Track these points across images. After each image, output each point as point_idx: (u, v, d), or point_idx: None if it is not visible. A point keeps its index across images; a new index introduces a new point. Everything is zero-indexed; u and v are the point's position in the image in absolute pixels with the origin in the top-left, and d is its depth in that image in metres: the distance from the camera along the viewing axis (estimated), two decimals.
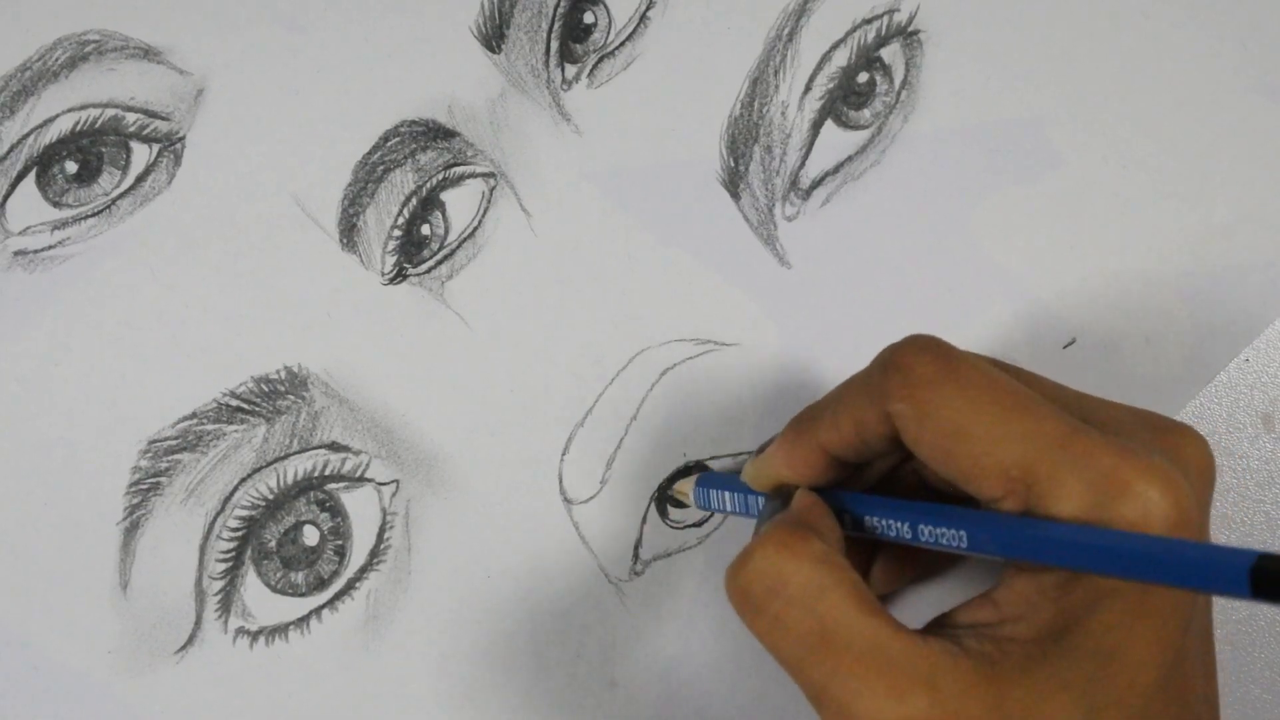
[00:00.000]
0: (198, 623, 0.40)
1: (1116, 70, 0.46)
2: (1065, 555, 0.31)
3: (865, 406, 0.35)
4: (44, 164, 0.41)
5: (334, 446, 0.41)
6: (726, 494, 0.40)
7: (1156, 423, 0.35)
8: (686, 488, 0.42)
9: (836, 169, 0.44)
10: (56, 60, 0.41)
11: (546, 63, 0.43)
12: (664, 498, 0.43)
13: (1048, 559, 0.31)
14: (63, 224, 0.41)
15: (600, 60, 0.43)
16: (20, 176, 0.41)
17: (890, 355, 0.35)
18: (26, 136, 0.41)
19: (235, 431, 0.41)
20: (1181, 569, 0.28)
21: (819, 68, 0.44)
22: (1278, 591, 0.25)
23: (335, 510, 0.41)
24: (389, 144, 0.42)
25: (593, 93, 0.43)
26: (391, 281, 0.42)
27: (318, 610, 0.41)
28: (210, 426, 0.41)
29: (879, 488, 0.39)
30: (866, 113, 0.45)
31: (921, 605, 0.43)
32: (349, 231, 0.42)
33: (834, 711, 0.32)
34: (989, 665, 0.32)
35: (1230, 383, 0.46)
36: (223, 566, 0.40)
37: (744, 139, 0.44)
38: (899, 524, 0.34)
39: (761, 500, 0.38)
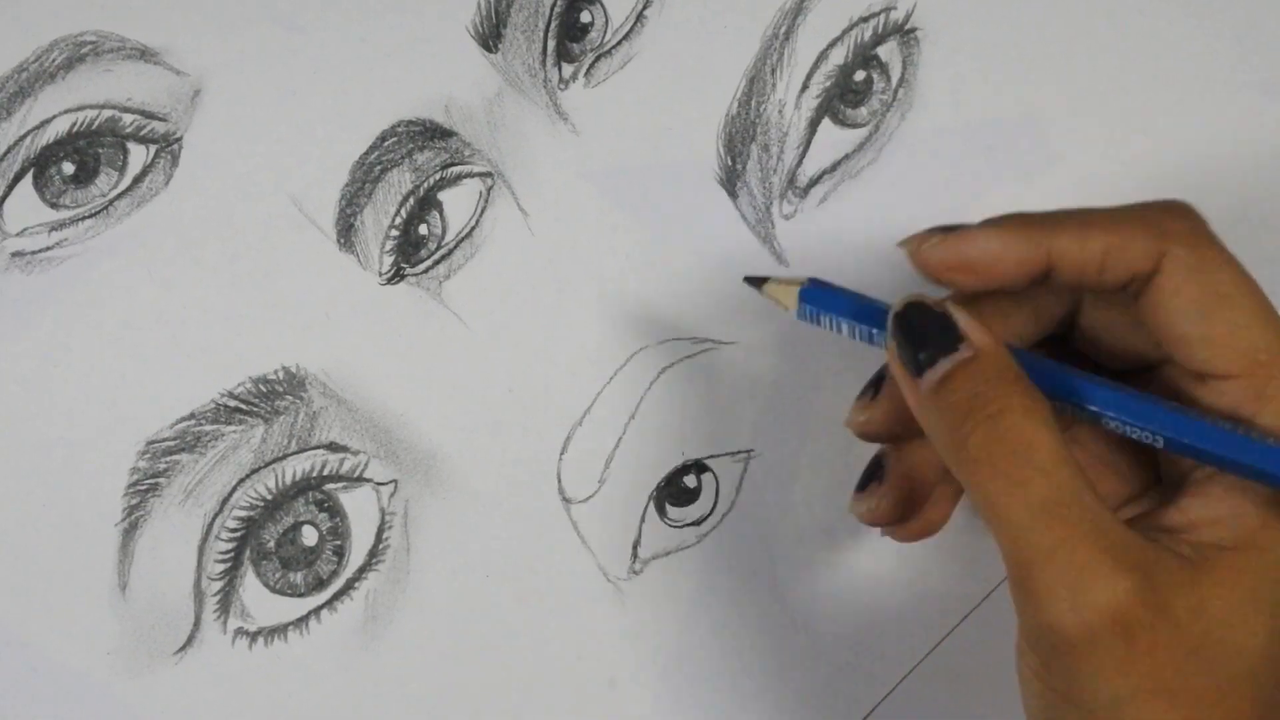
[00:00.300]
0: (196, 623, 0.40)
1: (1114, 67, 0.46)
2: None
3: (1134, 235, 0.33)
4: (41, 165, 0.41)
5: (332, 447, 0.41)
6: (844, 304, 0.36)
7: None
8: (785, 295, 0.37)
9: (834, 167, 0.44)
10: (53, 61, 0.41)
11: (543, 62, 0.43)
12: (663, 497, 0.43)
13: None
14: (60, 225, 0.41)
15: (597, 59, 0.44)
16: (17, 178, 0.41)
17: (1171, 203, 0.34)
18: (23, 138, 0.41)
19: (233, 432, 0.41)
20: None
21: (816, 66, 0.44)
22: None
23: (334, 510, 0.41)
24: (386, 144, 0.42)
25: (590, 92, 0.44)
26: (389, 281, 0.42)
27: (317, 610, 0.41)
28: (208, 427, 0.41)
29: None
30: (864, 110, 0.45)
31: (950, 597, 0.43)
32: (346, 231, 0.42)
33: (1053, 575, 0.31)
34: (1193, 568, 0.32)
35: None
36: (221, 567, 0.40)
37: (741, 138, 0.44)
38: (1141, 422, 0.34)
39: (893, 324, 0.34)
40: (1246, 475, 0.32)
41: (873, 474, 0.38)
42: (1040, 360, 0.35)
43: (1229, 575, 0.32)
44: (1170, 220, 0.34)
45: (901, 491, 0.38)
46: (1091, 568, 0.31)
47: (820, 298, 0.37)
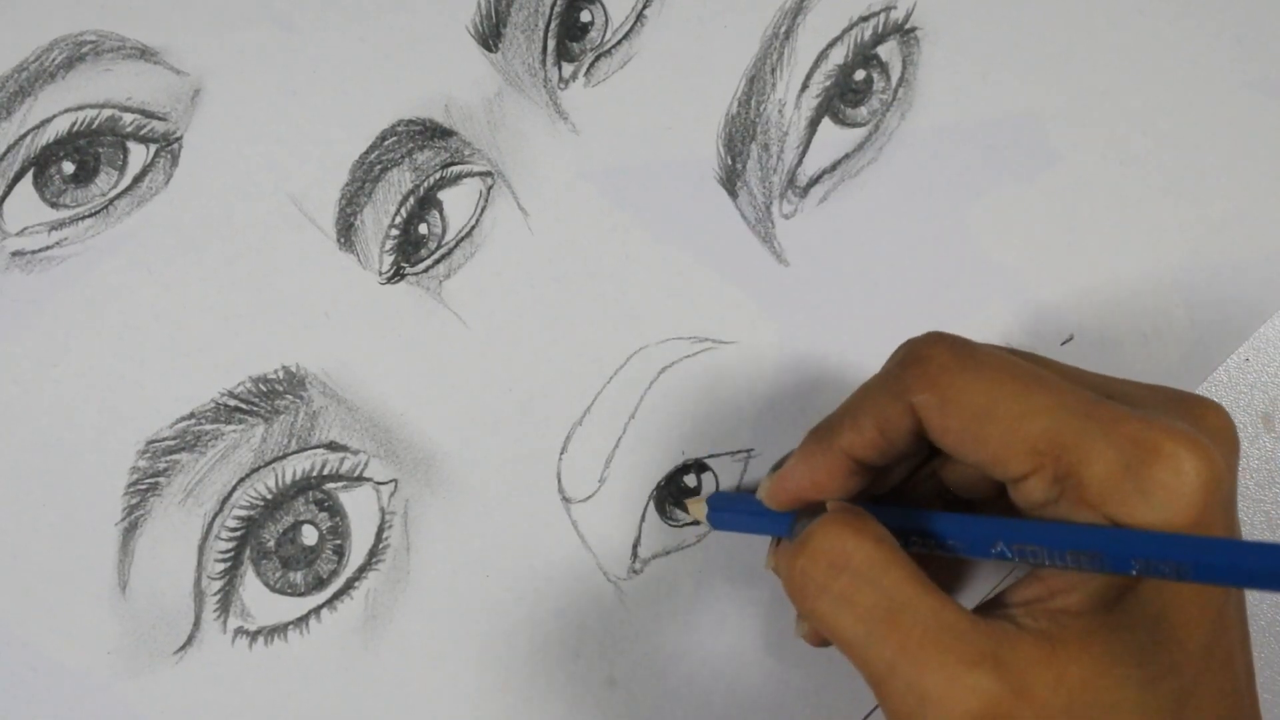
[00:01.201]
0: (196, 623, 0.41)
1: (1113, 67, 0.46)
2: (1120, 545, 0.31)
3: (887, 403, 0.35)
4: (41, 165, 0.41)
5: (332, 446, 0.41)
6: (743, 516, 0.40)
7: (1175, 396, 0.36)
8: (697, 509, 0.42)
9: (834, 167, 0.45)
10: (53, 61, 0.41)
11: (543, 61, 0.43)
12: (663, 496, 0.43)
13: (1165, 574, 0.31)
14: (60, 224, 0.41)
15: (597, 59, 0.44)
16: (17, 177, 0.41)
17: (908, 350, 0.35)
18: (24, 137, 0.41)
19: (233, 431, 0.41)
20: (1247, 556, 0.29)
21: (816, 65, 0.45)
22: None
23: (334, 510, 0.41)
24: (386, 143, 0.42)
25: (590, 91, 0.44)
26: (389, 281, 0.42)
27: (316, 610, 0.41)
28: (208, 427, 0.41)
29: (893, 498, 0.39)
30: (864, 110, 0.45)
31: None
32: (346, 231, 0.42)
33: (901, 689, 0.32)
34: (1048, 641, 0.32)
35: (1230, 382, 0.47)
36: (221, 566, 0.41)
37: (741, 137, 0.44)
38: (974, 540, 0.34)
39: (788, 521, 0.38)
40: (1066, 566, 0.32)
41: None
42: (887, 509, 0.36)
43: (1083, 639, 0.32)
44: (907, 372, 0.35)
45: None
46: (938, 669, 0.32)
47: (722, 507, 0.42)
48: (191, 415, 0.41)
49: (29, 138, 0.41)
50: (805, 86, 0.45)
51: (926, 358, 0.34)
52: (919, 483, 0.39)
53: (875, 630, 0.32)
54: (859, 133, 0.45)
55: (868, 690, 0.44)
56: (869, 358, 0.44)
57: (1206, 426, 0.35)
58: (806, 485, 0.37)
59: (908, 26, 0.45)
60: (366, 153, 0.42)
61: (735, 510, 0.41)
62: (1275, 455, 0.47)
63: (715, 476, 0.43)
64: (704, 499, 0.42)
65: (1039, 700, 0.31)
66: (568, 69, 0.44)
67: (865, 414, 0.36)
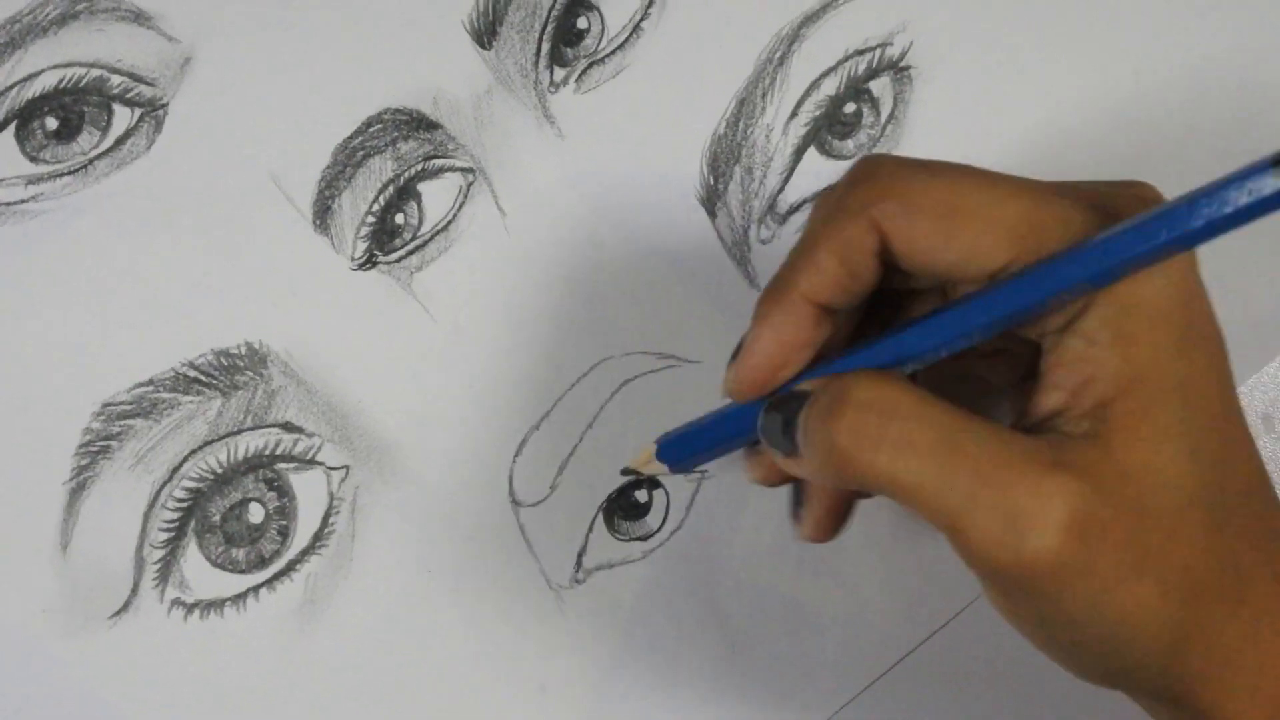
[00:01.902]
0: (134, 590, 0.41)
1: (1106, 125, 0.46)
2: (1106, 254, 0.30)
3: (846, 225, 0.33)
4: (24, 118, 0.41)
5: (287, 427, 0.42)
6: (701, 439, 0.38)
7: (1106, 183, 0.35)
8: (645, 463, 0.40)
9: (815, 196, 0.45)
10: (47, 16, 0.41)
11: (536, 63, 0.44)
12: (613, 509, 0.43)
13: (1107, 264, 0.30)
14: (38, 179, 0.41)
15: (590, 66, 0.44)
16: (0, 128, 0.41)
17: (852, 172, 0.33)
18: (10, 89, 0.41)
19: (190, 402, 0.41)
20: (1216, 197, 0.28)
21: (807, 94, 0.45)
22: None
23: (282, 490, 0.41)
24: (371, 130, 0.43)
25: (579, 98, 0.44)
26: (361, 267, 0.43)
27: (255, 589, 0.41)
28: (166, 395, 0.41)
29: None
30: (850, 143, 0.45)
31: (890, 636, 0.44)
32: (323, 213, 0.42)
33: (985, 517, 0.31)
34: (1099, 440, 0.31)
35: None
36: (165, 536, 0.41)
37: (726, 158, 0.44)
38: (949, 336, 0.33)
39: (752, 420, 0.35)
40: (1076, 292, 0.31)
41: (797, 500, 0.38)
42: (866, 350, 0.34)
43: (1126, 429, 0.31)
44: (858, 189, 0.33)
45: (824, 507, 0.37)
46: (1020, 486, 0.31)
47: (675, 446, 0.39)
48: (150, 382, 0.41)
49: (15, 90, 0.41)
50: (794, 114, 0.45)
51: (876, 170, 0.33)
52: (883, 321, 0.37)
53: (946, 464, 0.31)
54: (843, 165, 0.45)
55: (805, 710, 0.44)
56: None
57: (1150, 198, 0.34)
58: (775, 352, 0.34)
59: (902, 64, 0.46)
60: (350, 137, 0.43)
61: (690, 441, 0.38)
62: (1275, 455, 0.47)
63: (667, 494, 0.44)
64: (650, 448, 0.40)
65: (1115, 495, 0.31)
66: (560, 73, 0.44)
67: (822, 248, 0.33)
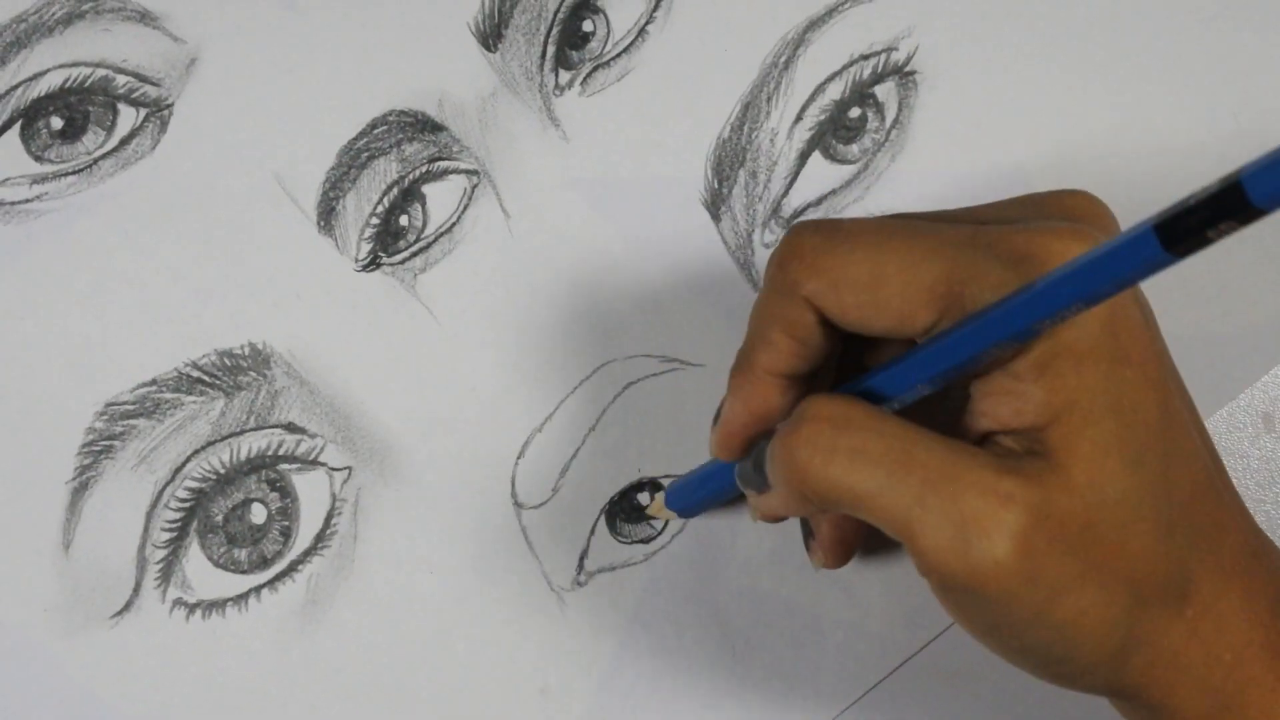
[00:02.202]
0: (136, 590, 0.41)
1: (1108, 132, 0.47)
2: (1015, 318, 0.31)
3: (783, 307, 0.35)
4: (30, 117, 0.41)
5: (290, 427, 0.42)
6: (700, 490, 0.41)
7: (1039, 199, 0.36)
8: (660, 510, 0.43)
9: (819, 201, 0.45)
10: (53, 15, 0.42)
11: (541, 66, 0.44)
12: (615, 511, 0.43)
13: (1018, 325, 0.31)
14: (43, 179, 0.42)
15: (595, 69, 0.44)
16: (5, 127, 0.41)
17: (781, 250, 0.35)
18: (15, 88, 0.41)
19: (193, 402, 0.41)
20: (1105, 264, 0.29)
21: (812, 98, 0.45)
22: (1186, 240, 0.27)
23: (285, 491, 0.42)
24: (376, 131, 0.43)
25: (584, 100, 0.44)
26: (365, 269, 0.43)
27: (257, 589, 0.42)
28: (169, 395, 0.41)
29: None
30: (855, 148, 0.45)
31: (889, 642, 0.44)
32: (327, 215, 0.43)
33: (935, 523, 0.32)
34: (1041, 457, 0.32)
35: None
36: (167, 536, 0.41)
37: (730, 162, 0.45)
38: (910, 382, 0.34)
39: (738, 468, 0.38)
40: (1001, 349, 0.32)
41: (807, 532, 0.40)
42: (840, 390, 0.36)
43: (1065, 444, 0.32)
44: (788, 271, 0.34)
45: (833, 538, 0.39)
46: (970, 492, 0.32)
47: (678, 494, 0.42)
48: (153, 382, 0.42)
49: (20, 89, 0.41)
50: (799, 118, 0.45)
51: (801, 248, 0.34)
52: (848, 377, 0.39)
53: (895, 472, 0.32)
54: (848, 170, 0.45)
55: (806, 714, 0.44)
56: None
57: (1081, 215, 0.35)
58: (747, 418, 0.36)
59: (908, 69, 0.46)
60: (355, 139, 0.43)
61: (691, 490, 0.41)
62: (1275, 455, 0.47)
63: None
64: (660, 498, 0.43)
65: (1061, 506, 0.32)
66: (564, 76, 0.44)
67: (769, 327, 0.35)
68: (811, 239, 0.34)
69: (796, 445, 0.33)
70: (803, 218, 0.45)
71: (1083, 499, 0.32)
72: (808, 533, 0.40)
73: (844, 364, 0.38)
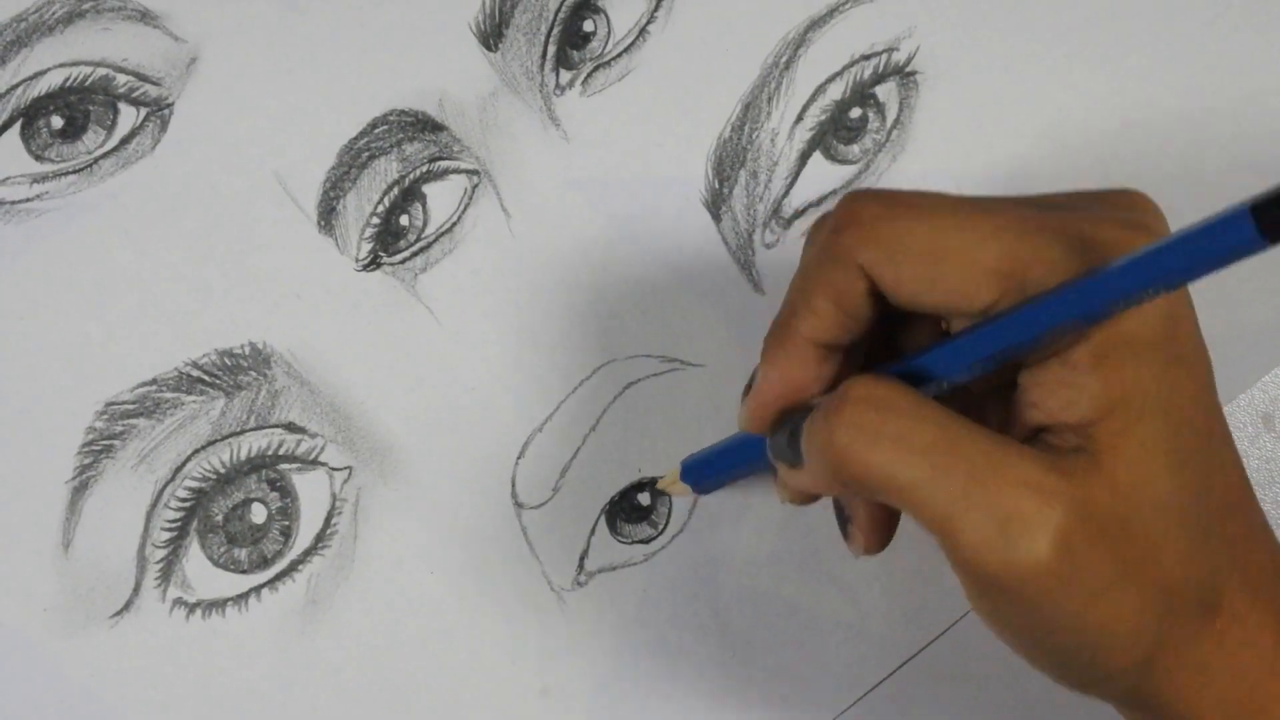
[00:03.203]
0: (136, 589, 0.41)
1: (1109, 133, 0.47)
2: (1092, 297, 0.31)
3: (835, 273, 0.34)
4: (30, 116, 0.42)
5: (290, 427, 0.42)
6: (720, 464, 0.39)
7: (1098, 195, 0.35)
8: (672, 484, 0.41)
9: (820, 201, 0.45)
10: (53, 15, 0.42)
11: (542, 66, 0.44)
12: (615, 511, 0.43)
13: (1092, 307, 0.31)
14: (43, 178, 0.42)
15: (596, 69, 0.45)
16: (5, 126, 0.42)
17: (839, 214, 0.34)
18: (16, 87, 0.42)
19: (194, 402, 0.42)
20: (1195, 247, 0.28)
21: (813, 99, 0.45)
22: None
23: (285, 491, 0.42)
24: (376, 131, 0.43)
25: (585, 100, 0.44)
26: (365, 268, 0.43)
27: (258, 589, 0.42)
28: (169, 394, 0.42)
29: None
30: (855, 148, 0.46)
31: (890, 642, 0.44)
32: (328, 214, 0.43)
33: (979, 518, 0.31)
34: (1087, 454, 0.32)
35: None
36: (167, 536, 0.41)
37: (731, 162, 0.45)
38: (962, 360, 0.33)
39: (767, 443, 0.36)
40: (1063, 331, 0.32)
41: (842, 517, 0.39)
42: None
43: (1113, 443, 0.32)
44: (843, 236, 0.33)
45: (872, 520, 0.38)
46: (1014, 489, 0.31)
47: (697, 468, 0.40)
48: (154, 381, 0.42)
49: (21, 88, 0.42)
50: (800, 118, 0.45)
51: (859, 215, 0.33)
52: (889, 351, 0.38)
53: (940, 463, 0.31)
54: (848, 170, 0.46)
55: (806, 715, 0.44)
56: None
57: (1140, 210, 0.35)
58: (783, 389, 0.35)
59: (908, 70, 0.46)
60: (356, 138, 0.43)
61: (710, 465, 0.40)
62: (1275, 455, 0.47)
63: (669, 498, 0.44)
64: (674, 471, 0.41)
65: (1103, 508, 0.32)
66: (565, 76, 0.44)
67: (816, 293, 0.34)
68: (872, 206, 0.33)
69: (838, 426, 0.32)
70: (803, 217, 0.45)
71: (1125, 500, 0.32)
72: (844, 517, 0.38)
73: (874, 342, 0.37)
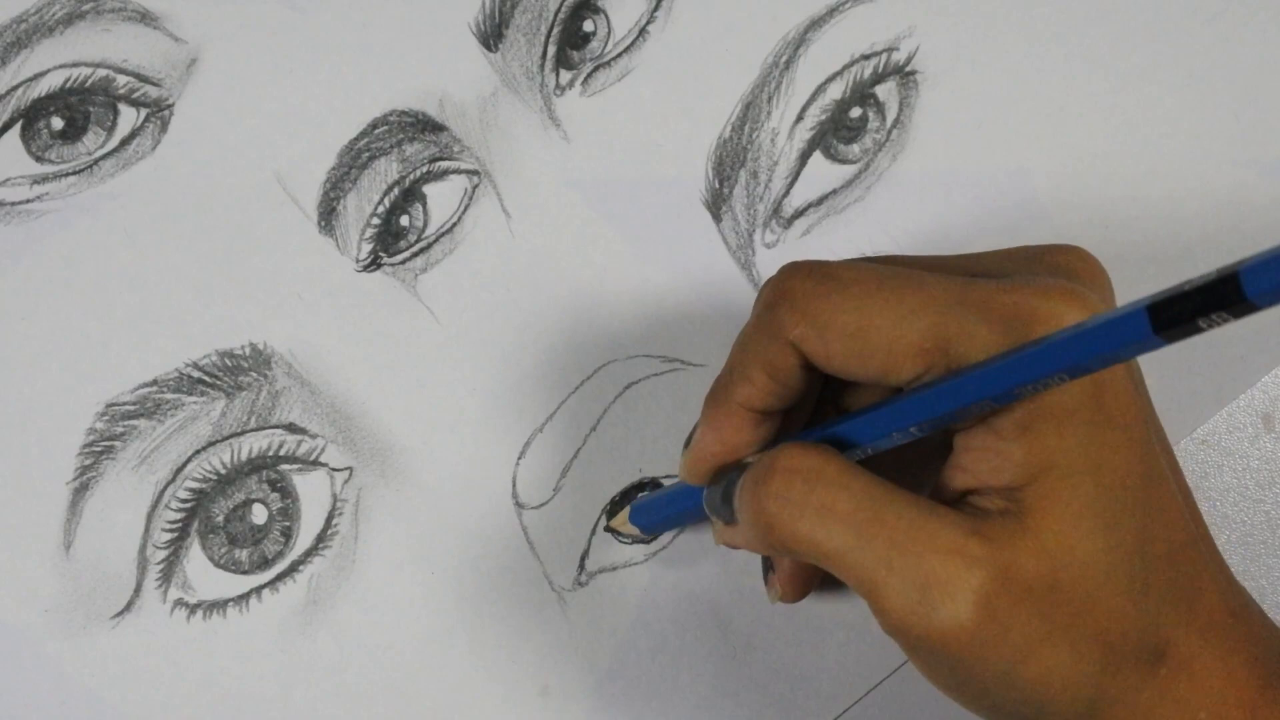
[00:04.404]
0: (137, 590, 0.41)
1: (1109, 133, 0.47)
2: (997, 381, 0.32)
3: (767, 347, 0.35)
4: (30, 118, 0.42)
5: (291, 428, 0.42)
6: (667, 510, 0.42)
7: (1034, 252, 0.37)
8: (623, 523, 0.43)
9: (820, 201, 0.46)
10: (54, 15, 0.42)
11: (542, 66, 0.44)
12: (615, 511, 0.44)
13: (1004, 386, 0.32)
14: (43, 179, 0.42)
15: (596, 69, 0.45)
16: (5, 128, 0.42)
17: (772, 289, 0.36)
18: (16, 88, 0.42)
19: (194, 403, 0.42)
20: (1093, 341, 0.30)
21: (813, 98, 0.46)
22: (1177, 325, 0.27)
23: (286, 491, 0.42)
24: (377, 131, 0.43)
25: (585, 101, 0.45)
26: (366, 269, 0.43)
27: (259, 589, 0.42)
28: (170, 395, 0.42)
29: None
30: (856, 148, 0.46)
31: (891, 644, 0.44)
32: (328, 215, 0.43)
33: (900, 584, 0.33)
34: (1014, 517, 0.33)
35: None
36: (168, 536, 0.41)
37: (731, 162, 0.45)
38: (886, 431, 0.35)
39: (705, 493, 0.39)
40: (981, 408, 0.33)
41: (766, 564, 0.41)
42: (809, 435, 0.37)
43: (1039, 505, 0.33)
44: (777, 312, 0.35)
45: (793, 575, 0.40)
46: (934, 555, 0.32)
47: (645, 511, 0.42)
48: (154, 382, 0.42)
49: (21, 89, 0.42)
50: (800, 118, 0.45)
51: (790, 293, 0.35)
52: (824, 416, 0.40)
53: (864, 532, 0.33)
54: (848, 170, 0.46)
55: (807, 715, 0.45)
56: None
57: (1074, 272, 0.36)
58: (720, 449, 0.37)
59: (908, 69, 0.46)
60: (356, 139, 0.43)
61: (657, 509, 0.42)
62: (1275, 455, 0.47)
63: None
64: (625, 512, 0.43)
65: (1029, 568, 0.33)
66: (565, 76, 0.45)
67: (750, 364, 0.36)
68: (803, 283, 0.35)
69: (766, 496, 0.34)
70: (804, 217, 0.45)
71: (1051, 560, 0.33)
72: (767, 566, 0.41)
73: (823, 398, 0.39)
